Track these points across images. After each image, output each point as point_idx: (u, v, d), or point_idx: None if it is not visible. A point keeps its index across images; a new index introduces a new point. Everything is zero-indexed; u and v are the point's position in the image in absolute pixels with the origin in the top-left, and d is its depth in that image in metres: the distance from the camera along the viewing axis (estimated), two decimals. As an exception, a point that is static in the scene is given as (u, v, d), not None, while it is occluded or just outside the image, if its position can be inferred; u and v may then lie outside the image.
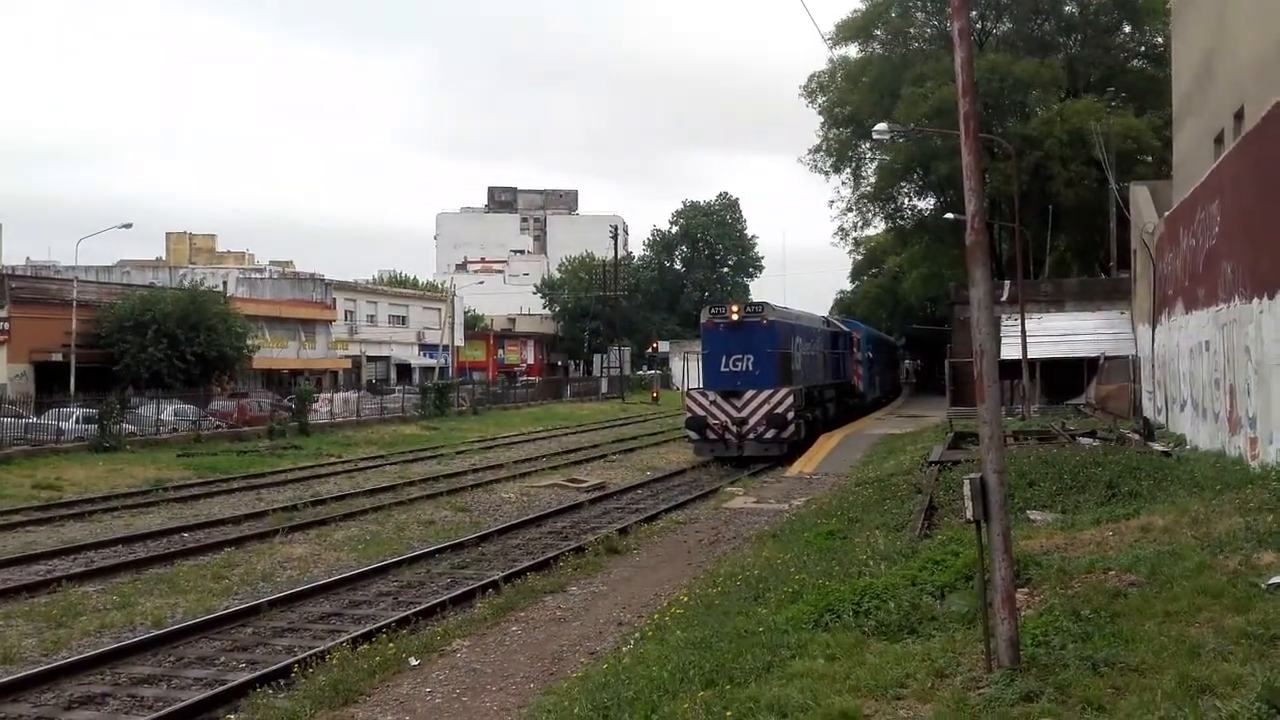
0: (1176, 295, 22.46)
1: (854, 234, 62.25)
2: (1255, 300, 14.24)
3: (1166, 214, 25.22)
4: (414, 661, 10.54)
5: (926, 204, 59.85)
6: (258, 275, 69.83)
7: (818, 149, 58.54)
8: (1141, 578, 8.29)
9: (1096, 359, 35.38)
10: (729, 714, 6.32)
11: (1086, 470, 15.00)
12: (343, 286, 71.24)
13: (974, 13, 50.60)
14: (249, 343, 48.99)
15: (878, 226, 63.76)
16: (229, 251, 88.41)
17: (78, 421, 34.92)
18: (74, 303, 43.03)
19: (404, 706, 9.18)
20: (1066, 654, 6.56)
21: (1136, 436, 21.30)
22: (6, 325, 42.44)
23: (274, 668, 10.63)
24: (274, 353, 58.42)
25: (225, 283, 60.05)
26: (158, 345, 42.60)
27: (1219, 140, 21.89)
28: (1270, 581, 7.55)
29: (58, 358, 42.50)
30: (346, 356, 68.18)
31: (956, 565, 9.21)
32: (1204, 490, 12.24)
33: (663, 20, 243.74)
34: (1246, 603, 7.21)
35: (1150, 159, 47.09)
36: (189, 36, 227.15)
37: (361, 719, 8.97)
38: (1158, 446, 18.75)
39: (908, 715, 6.09)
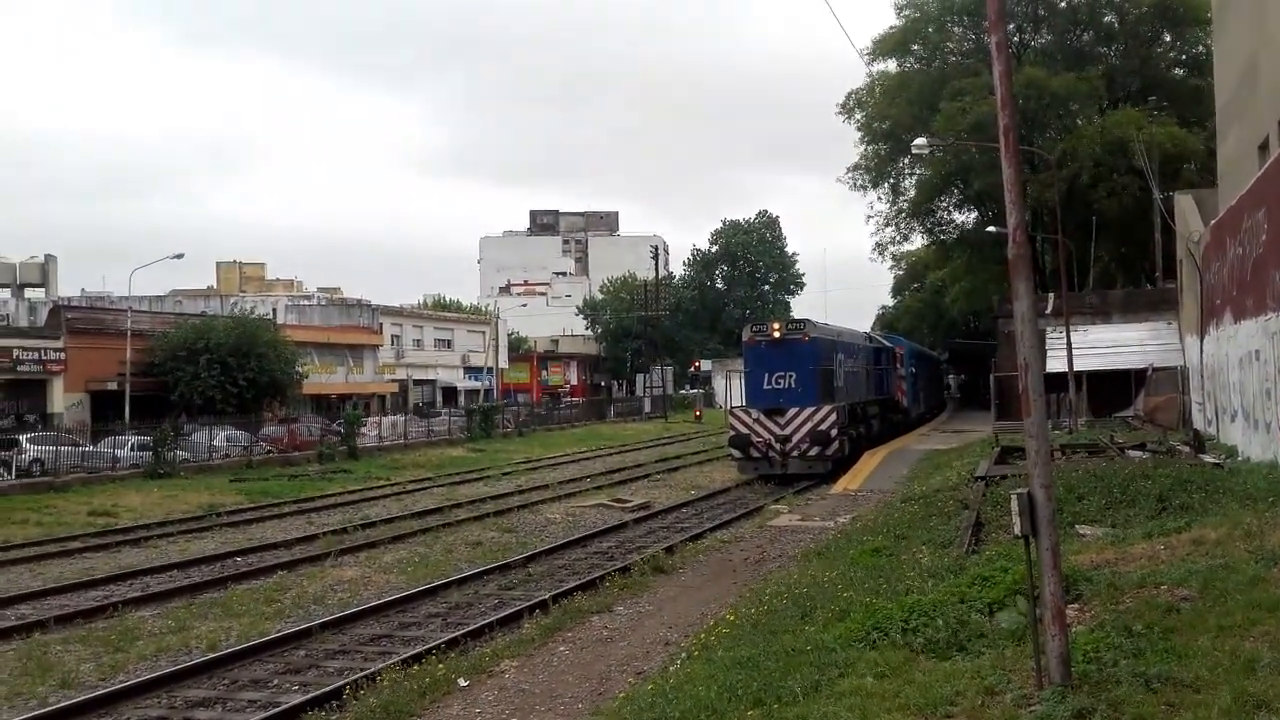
0: (1224, 305, 22.15)
1: (891, 249, 62.05)
2: (1306, 309, 14.03)
3: (1212, 223, 24.90)
4: (463, 682, 10.62)
5: (966, 218, 59.58)
6: (306, 302, 70.74)
7: (856, 167, 58.48)
8: (1194, 592, 8.20)
9: (1144, 371, 34.89)
10: (778, 732, 6.33)
11: (1136, 483, 14.82)
12: (389, 311, 71.98)
13: (1011, 25, 50.51)
14: (298, 369, 49.66)
15: (916, 241, 63.54)
16: (278, 279, 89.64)
17: (132, 449, 35.56)
18: (128, 332, 43.88)
19: (455, 727, 9.26)
20: (1119, 670, 6.50)
21: (1186, 448, 21.00)
22: (63, 355, 43.32)
23: (326, 690, 10.75)
24: (323, 378, 59.12)
25: (275, 310, 60.94)
26: (210, 372, 43.36)
27: (1264, 147, 21.62)
28: (1326, 594, 7.44)
29: (113, 386, 43.33)
30: (393, 380, 68.83)
31: (1005, 581, 9.14)
32: (1257, 502, 12.06)
33: (701, 40, 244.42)
34: (1302, 616, 7.11)
35: (1194, 166, 46.54)
36: (237, 70, 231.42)
37: (413, 740, 9.05)
38: (1208, 458, 18.47)
39: (958, 733, 6.07)
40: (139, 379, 43.60)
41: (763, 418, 29.79)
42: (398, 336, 71.70)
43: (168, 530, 23.85)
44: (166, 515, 26.34)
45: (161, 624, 14.45)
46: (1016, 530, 6.72)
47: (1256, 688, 5.90)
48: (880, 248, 61.47)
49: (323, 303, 71.04)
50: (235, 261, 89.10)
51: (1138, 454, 20.42)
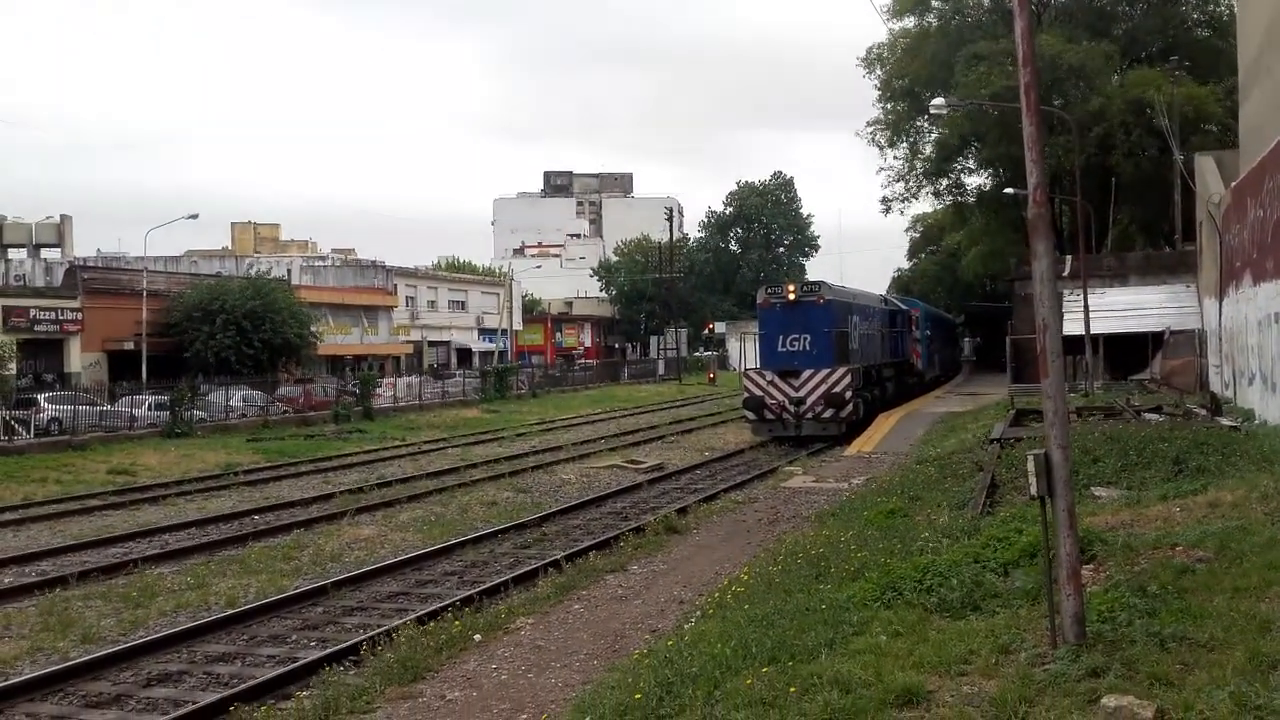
0: (1244, 267, 21.95)
1: (899, 205, 61.36)
2: (1328, 271, 13.90)
3: (1233, 184, 24.64)
4: (479, 639, 10.72)
5: (983, 180, 59.00)
6: (321, 263, 70.86)
7: (875, 121, 57.90)
8: (1209, 553, 8.19)
9: (1161, 333, 34.68)
10: (792, 690, 6.36)
11: (1152, 446, 14.77)
12: (403, 273, 72.03)
13: (1033, -17, 49.75)
14: (313, 329, 49.82)
15: (925, 200, 62.89)
16: (292, 240, 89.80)
17: (150, 408, 35.82)
18: (144, 293, 44.06)
19: (471, 683, 9.35)
20: (1133, 630, 6.50)
21: (1203, 411, 20.91)
22: (80, 315, 43.58)
23: (343, 645, 10.88)
24: (338, 339, 59.32)
25: (289, 271, 61.13)
26: (225, 333, 43.56)
27: (1289, 107, 21.30)
28: (1343, 556, 7.42)
29: (129, 346, 43.60)
30: (408, 342, 69.01)
31: (1020, 542, 9.15)
32: (1274, 465, 12.02)
33: (724, 3, 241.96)
34: (1318, 578, 7.10)
35: (1215, 128, 45.94)
36: (251, 23, 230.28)
37: (430, 695, 9.15)
38: (1225, 421, 18.39)
39: (972, 691, 6.09)
40: (155, 339, 43.82)
41: (777, 380, 29.78)
42: (412, 298, 71.80)
43: (185, 489, 24.05)
44: (184, 474, 26.56)
45: (180, 580, 14.62)
46: (1033, 491, 6.71)
47: (1271, 648, 5.90)
48: (887, 202, 60.86)
49: (337, 264, 71.13)
50: (250, 222, 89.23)
51: (1154, 417, 20.34)
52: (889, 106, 57.10)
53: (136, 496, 23.01)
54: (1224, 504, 10.16)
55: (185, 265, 65.08)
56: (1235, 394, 22.91)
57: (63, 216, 61.69)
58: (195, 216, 51.78)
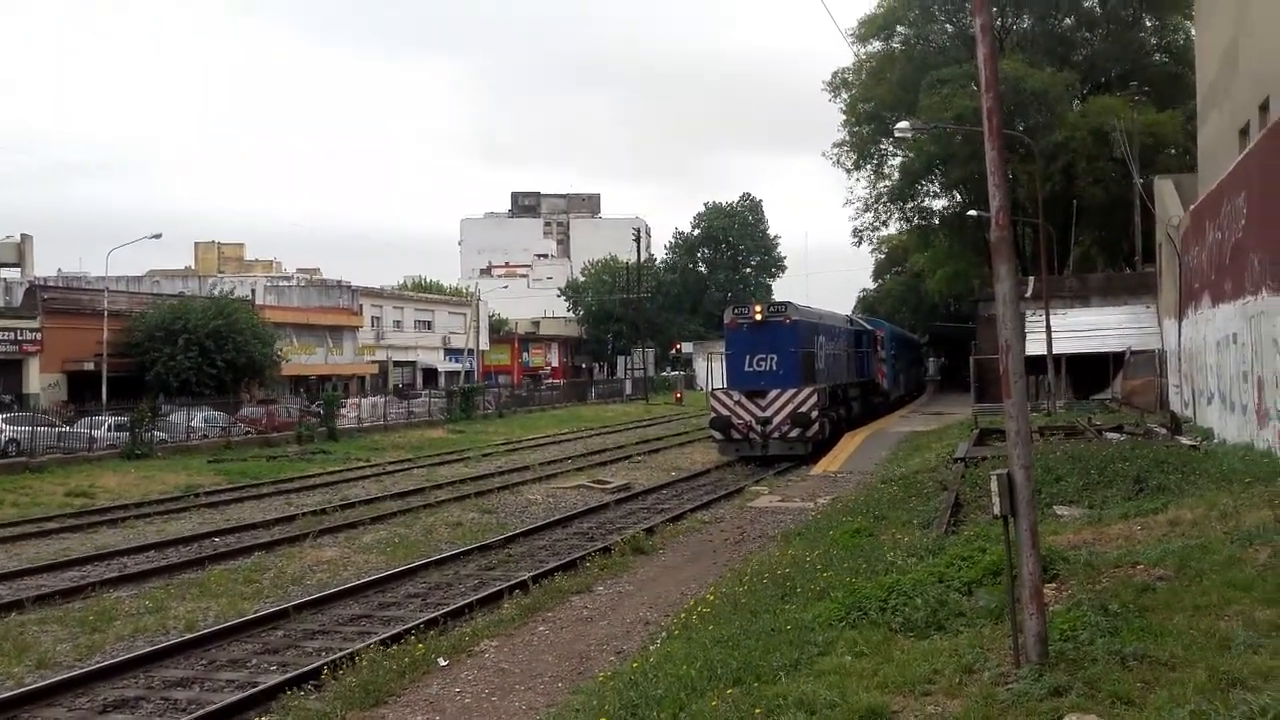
0: (1203, 288, 22.28)
1: (869, 234, 62.19)
2: (1283, 292, 14.12)
3: (1191, 207, 25.03)
4: (443, 662, 10.61)
5: (947, 202, 59.72)
6: (285, 283, 70.25)
7: (841, 143, 58.53)
8: (1170, 571, 8.25)
9: (1122, 354, 35.12)
10: (757, 711, 6.34)
11: (1113, 465, 14.92)
12: (369, 293, 71.65)
13: (994, 8, 50.55)
14: (277, 350, 49.39)
15: (894, 226, 63.70)
16: (256, 260, 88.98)
17: (110, 429, 35.32)
18: (105, 313, 43.50)
19: (433, 707, 9.25)
20: (1095, 649, 6.53)
21: (1163, 430, 21.16)
22: (39, 336, 42.96)
23: (304, 669, 10.72)
24: (302, 359, 58.87)
25: (253, 291, 60.56)
26: (188, 353, 43.07)
27: (1244, 132, 21.72)
28: (1301, 574, 7.50)
29: (89, 367, 43.01)
30: (373, 362, 68.59)
31: (983, 561, 9.19)
32: (1232, 483, 12.15)
33: (686, 24, 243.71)
34: (1277, 595, 7.17)
35: (1174, 150, 46.78)
36: (218, 43, 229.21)
37: (391, 719, 9.04)
38: (1185, 440, 18.61)
39: (936, 711, 6.09)
40: (116, 360, 43.27)
41: (744, 399, 29.84)
42: (378, 318, 71.42)
43: (145, 511, 23.70)
44: (144, 496, 26.19)
45: (139, 604, 14.37)
46: (996, 510, 6.74)
47: (1231, 665, 5.94)
48: (858, 234, 61.57)
49: (302, 283, 70.57)
50: (214, 242, 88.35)
51: (1115, 436, 20.57)
52: (854, 129, 57.73)
53: (95, 519, 22.65)
54: (1184, 522, 10.26)
55: (148, 285, 64.35)
56: (1195, 413, 23.21)
57: (23, 235, 60.74)
58: (158, 236, 51.40)
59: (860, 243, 62.75)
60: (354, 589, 14.73)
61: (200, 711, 9.64)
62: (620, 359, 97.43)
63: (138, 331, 44.24)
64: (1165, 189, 31.35)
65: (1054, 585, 8.34)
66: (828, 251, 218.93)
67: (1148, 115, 45.75)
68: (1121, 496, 13.19)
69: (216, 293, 52.42)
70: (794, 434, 29.50)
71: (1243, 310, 17.20)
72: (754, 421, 29.67)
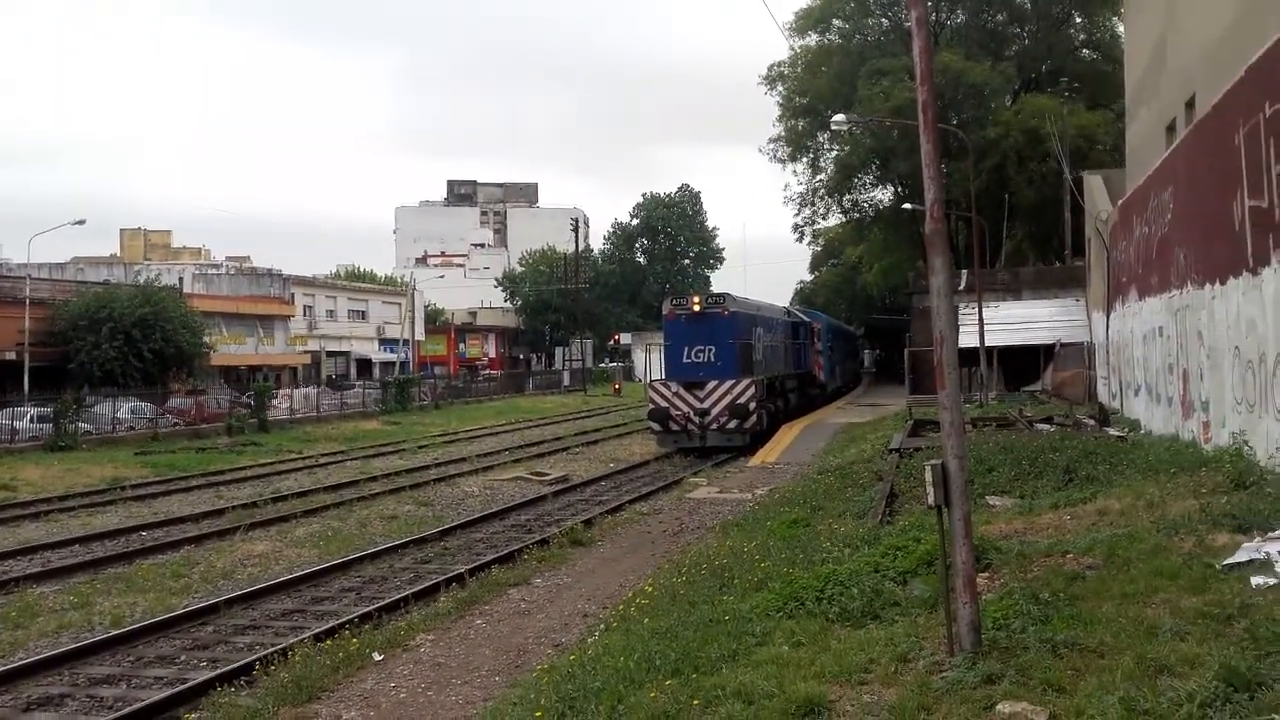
0: (1130, 282, 22.76)
1: (808, 229, 62.80)
2: (1207, 286, 14.47)
3: (1120, 202, 25.56)
4: (378, 656, 10.48)
5: (883, 195, 60.38)
6: (214, 271, 69.04)
7: (777, 138, 58.86)
8: (1099, 560, 8.40)
9: (1052, 346, 35.81)
10: (695, 702, 6.33)
11: (1044, 455, 15.17)
12: (301, 281, 70.61)
13: (929, 2, 51.18)
14: (206, 339, 48.43)
15: (833, 219, 64.33)
16: (185, 247, 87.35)
17: (32, 421, 34.40)
18: (27, 301, 42.32)
19: (368, 702, 9.13)
20: (1027, 637, 6.62)
21: (1092, 422, 21.58)
22: (-43, 324, 41.65)
23: (235, 665, 10.52)
24: (232, 349, 57.84)
25: (181, 279, 59.38)
26: (113, 343, 42.00)
27: (1171, 129, 22.20)
28: (1225, 562, 7.68)
29: (11, 356, 41.80)
30: (306, 352, 67.61)
31: (918, 551, 9.28)
32: (1159, 474, 12.42)
33: (626, 16, 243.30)
34: (1202, 584, 7.32)
35: (1103, 147, 47.81)
36: (144, 32, 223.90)
37: (325, 715, 8.91)
38: (1113, 431, 19.00)
39: (872, 700, 6.13)
40: (38, 349, 42.12)
41: (682, 391, 29.91)
42: (310, 307, 70.41)
43: (69, 504, 23.12)
44: (68, 489, 25.52)
45: (63, 600, 14.01)
46: (930, 501, 6.79)
47: (1158, 652, 6.05)
48: (799, 229, 62.10)
49: (231, 272, 69.43)
50: (140, 229, 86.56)
51: (1046, 427, 20.92)
52: (790, 123, 58.07)
53: (16, 512, 22.01)
54: (1112, 512, 10.45)
55: (72, 272, 62.86)
56: (1122, 404, 23.73)
57: (-60, 221, 59.02)
58: (82, 222, 50.10)
59: (802, 238, 63.38)
60: (286, 583, 14.50)
61: (127, 709, 9.41)
62: (558, 350, 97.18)
63: (61, 320, 43.06)
64: (1095, 184, 31.99)
65: (987, 574, 8.44)
66: (765, 244, 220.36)
67: (1080, 116, 46.68)
68: (1052, 487, 13.41)
69: (143, 281, 51.16)
70: (732, 425, 29.64)
71: (1169, 304, 17.60)
72: (692, 413, 29.76)
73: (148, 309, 43.45)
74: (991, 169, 47.94)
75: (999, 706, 5.55)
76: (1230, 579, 7.33)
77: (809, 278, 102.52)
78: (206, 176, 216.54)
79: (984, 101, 50.41)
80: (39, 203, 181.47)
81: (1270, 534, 8.14)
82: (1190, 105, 20.08)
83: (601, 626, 10.40)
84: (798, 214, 61.15)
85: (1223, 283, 13.52)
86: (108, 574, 15.64)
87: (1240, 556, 7.71)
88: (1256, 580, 7.11)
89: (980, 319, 31.57)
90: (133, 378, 42.12)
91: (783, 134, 58.61)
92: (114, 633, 12.04)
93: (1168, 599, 7.16)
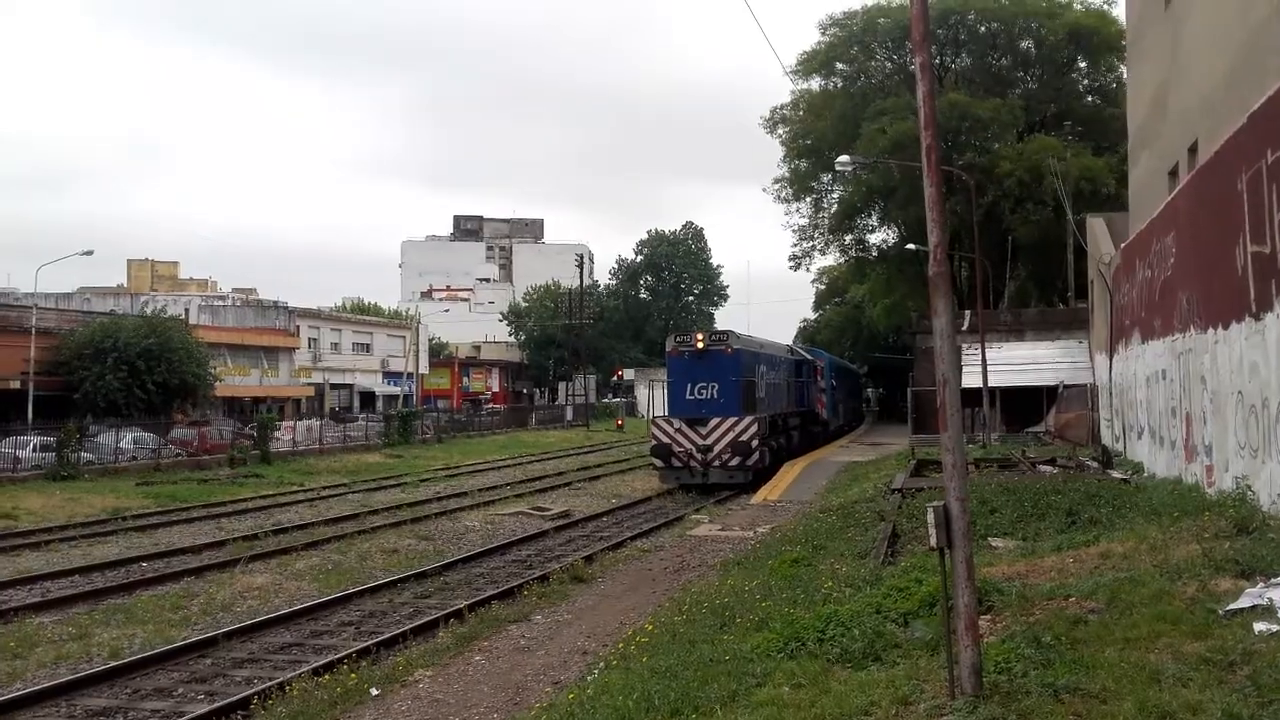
0: (1133, 325, 22.79)
1: (807, 262, 63.08)
2: (1210, 330, 14.49)
3: (1123, 245, 25.64)
4: (375, 692, 10.44)
5: (886, 236, 60.69)
6: (220, 303, 69.25)
7: (781, 179, 59.28)
8: (1101, 604, 8.36)
9: (1055, 387, 35.79)
10: (694, 743, 6.30)
11: (1047, 498, 15.13)
12: (306, 314, 70.79)
13: (934, 47, 51.67)
14: (211, 370, 48.50)
15: (833, 256, 64.65)
16: (191, 279, 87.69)
17: (35, 450, 34.39)
18: (33, 330, 42.45)
19: (366, 738, 9.09)
20: (1028, 681, 6.59)
21: (1095, 464, 21.55)
22: (-38, 352, 41.73)
23: (233, 699, 10.49)
24: (236, 380, 57.88)
25: (187, 310, 59.56)
26: (117, 373, 42.05)
27: (1173, 173, 22.31)
28: (1228, 608, 7.64)
29: (15, 385, 41.85)
30: (310, 384, 67.64)
31: (920, 593, 9.25)
32: (1162, 517, 12.37)
33: (632, 54, 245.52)
34: (1205, 629, 7.29)
35: (1106, 192, 48.07)
36: (156, 62, 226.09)
37: (323, 751, 8.86)
38: (1116, 474, 18.96)
39: (872, 743, 6.10)
40: (43, 378, 42.17)
41: (685, 427, 29.90)
42: (315, 339, 70.52)
43: (70, 534, 23.09)
44: (69, 519, 25.50)
45: (62, 630, 13.98)
46: (932, 542, 6.78)
47: (1160, 698, 6.02)
48: (796, 260, 62.32)
49: (237, 303, 69.63)
50: (148, 259, 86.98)
51: (1048, 469, 20.90)
52: (794, 164, 58.47)
53: (17, 541, 21.99)
54: (1115, 555, 10.42)
55: (78, 303, 63.07)
56: (1125, 447, 23.68)
57: (-52, 249, 59.33)
58: (90, 253, 50.55)
59: (798, 268, 63.69)
60: (285, 616, 14.46)
61: (123, 743, 9.37)
62: (562, 385, 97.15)
63: (66, 350, 43.15)
64: (1098, 227, 32.10)
65: (989, 617, 8.41)
66: (769, 281, 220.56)
67: (1082, 158, 46.95)
68: (1054, 529, 13.37)
69: (149, 311, 51.31)
70: (734, 462, 29.60)
71: (1172, 347, 17.61)
72: (695, 450, 29.73)
73: (153, 340, 43.55)
74: (993, 203, 48.13)
75: (1000, 751, 5.52)
76: (1233, 625, 7.30)
77: (813, 316, 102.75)
78: (216, 208, 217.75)
79: (989, 138, 50.69)
80: (45, 231, 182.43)
81: (1273, 580, 8.11)
82: (1193, 151, 20.20)
83: (601, 664, 10.35)
84: (796, 245, 61.49)
85: (1225, 327, 13.54)
86: (107, 605, 15.61)
87: (1243, 602, 7.67)
88: (1259, 626, 7.07)
89: (983, 359, 31.61)
90: (137, 408, 42.15)
91: (786, 175, 59.05)
92: (112, 664, 12.01)
93: (1170, 644, 7.13)
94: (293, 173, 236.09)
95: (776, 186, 59.48)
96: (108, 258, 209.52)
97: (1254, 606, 7.55)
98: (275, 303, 69.80)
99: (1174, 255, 17.71)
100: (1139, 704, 5.95)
